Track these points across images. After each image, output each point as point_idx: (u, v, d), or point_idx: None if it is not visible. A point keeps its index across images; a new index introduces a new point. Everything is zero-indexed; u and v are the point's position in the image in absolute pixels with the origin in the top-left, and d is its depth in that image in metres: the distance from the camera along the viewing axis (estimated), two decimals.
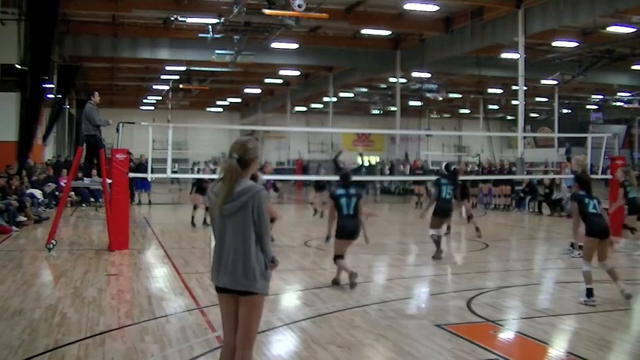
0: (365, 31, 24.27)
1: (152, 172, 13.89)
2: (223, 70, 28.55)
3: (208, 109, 47.31)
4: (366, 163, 21.11)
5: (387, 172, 32.32)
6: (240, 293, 3.77)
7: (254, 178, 3.99)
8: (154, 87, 35.85)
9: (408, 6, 19.45)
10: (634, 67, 27.76)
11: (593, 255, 7.15)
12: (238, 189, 3.75)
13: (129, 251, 10.87)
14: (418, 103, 39.24)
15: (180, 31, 23.62)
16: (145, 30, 23.72)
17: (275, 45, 23.15)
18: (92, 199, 19.91)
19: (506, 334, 6.11)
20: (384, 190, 30.22)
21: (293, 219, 16.49)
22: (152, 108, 44.24)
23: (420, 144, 41.00)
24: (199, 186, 14.96)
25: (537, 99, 37.31)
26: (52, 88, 23.93)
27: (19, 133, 18.36)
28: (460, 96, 37.94)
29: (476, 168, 23.40)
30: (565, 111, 40.14)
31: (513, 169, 21.30)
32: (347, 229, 7.91)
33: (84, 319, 6.28)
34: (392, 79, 30.30)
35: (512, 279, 8.74)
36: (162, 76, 32.21)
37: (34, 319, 6.21)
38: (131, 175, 12.06)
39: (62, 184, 17.86)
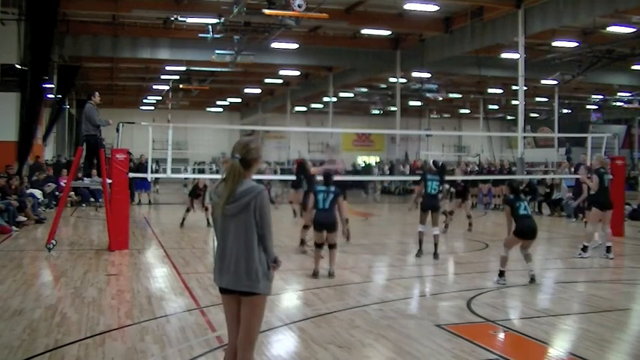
0: (365, 31, 24.27)
1: (152, 172, 13.90)
2: (223, 70, 28.54)
3: (208, 109, 47.31)
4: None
5: (387, 172, 32.33)
6: (242, 293, 3.77)
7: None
8: (154, 87, 35.85)
9: (408, 6, 19.44)
10: (634, 67, 27.76)
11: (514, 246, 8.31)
12: (240, 189, 3.74)
13: (129, 251, 10.87)
14: (418, 103, 39.18)
15: (180, 31, 23.62)
16: (145, 30, 23.71)
17: (275, 45, 23.14)
18: (92, 199, 19.91)
19: (506, 334, 6.10)
20: (384, 190, 30.21)
21: (293, 219, 16.48)
22: (152, 108, 44.24)
23: (420, 144, 40.95)
24: (194, 190, 15.03)
25: (537, 99, 37.30)
26: (52, 88, 23.93)
27: (19, 133, 18.36)
28: (460, 96, 37.94)
29: (476, 168, 23.37)
30: (565, 111, 40.13)
31: (513, 169, 21.28)
32: (319, 222, 8.68)
33: (84, 319, 6.28)
34: (392, 79, 30.30)
35: (512, 279, 8.73)
36: (163, 76, 32.21)
37: (34, 319, 6.21)
38: (131, 175, 12.06)
39: (62, 184, 17.85)
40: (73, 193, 18.94)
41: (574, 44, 22.68)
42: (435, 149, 41.64)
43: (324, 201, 8.64)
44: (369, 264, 10.21)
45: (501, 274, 8.26)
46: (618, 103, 39.08)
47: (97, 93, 11.78)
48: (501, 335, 6.05)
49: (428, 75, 29.99)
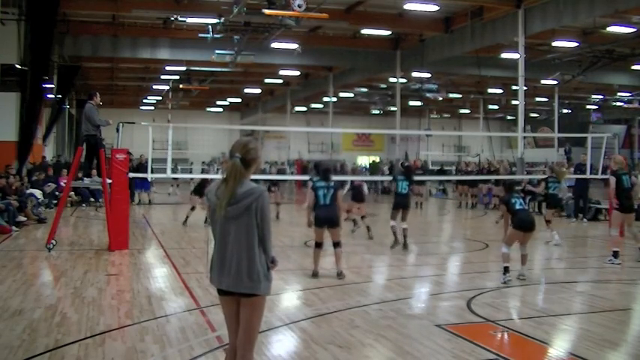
0: (365, 31, 24.25)
1: (152, 172, 13.90)
2: (223, 70, 28.52)
3: (208, 109, 47.29)
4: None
5: (387, 172, 32.31)
6: (242, 295, 3.77)
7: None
8: (154, 87, 35.83)
9: (408, 6, 19.42)
10: (634, 67, 27.74)
11: (514, 242, 8.54)
12: (241, 191, 3.73)
13: (129, 251, 10.87)
14: (418, 103, 39.23)
15: (180, 31, 23.61)
16: (145, 30, 23.70)
17: (275, 45, 23.13)
18: (92, 199, 19.91)
19: (506, 334, 6.10)
20: (384, 190, 30.20)
21: (293, 219, 16.49)
22: (152, 108, 44.22)
23: (420, 144, 40.99)
24: (199, 188, 15.02)
25: (537, 99, 37.28)
26: (52, 88, 23.93)
27: (19, 133, 18.36)
28: (460, 96, 37.91)
29: (476, 168, 23.39)
30: (565, 111, 40.12)
31: (513, 169, 21.29)
32: (321, 218, 8.57)
33: (84, 319, 6.28)
34: (392, 79, 30.27)
35: (512, 279, 8.73)
36: (163, 76, 32.19)
37: (34, 319, 6.21)
38: (131, 175, 12.06)
39: (62, 184, 17.86)
40: (73, 193, 18.94)
41: (574, 44, 22.67)
42: (435, 149, 41.72)
43: (325, 197, 8.59)
44: (369, 264, 10.22)
45: (506, 270, 8.38)
46: (618, 103, 39.07)
47: (97, 94, 11.80)
48: (501, 335, 6.06)
49: (428, 75, 29.97)
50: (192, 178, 26.89)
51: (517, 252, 8.70)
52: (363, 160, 47.76)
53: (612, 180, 10.19)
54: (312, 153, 44.64)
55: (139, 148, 19.43)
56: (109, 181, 11.11)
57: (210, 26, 20.37)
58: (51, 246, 10.69)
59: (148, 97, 40.97)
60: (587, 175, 15.99)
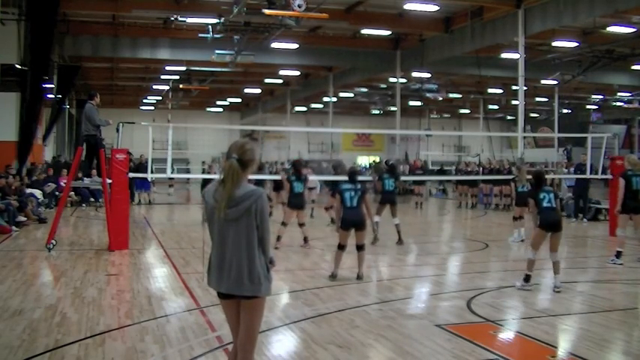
0: (365, 31, 24.24)
1: (152, 172, 13.91)
2: (223, 70, 28.52)
3: (208, 109, 47.28)
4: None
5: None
6: (243, 297, 3.76)
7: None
8: (154, 87, 35.82)
9: (408, 6, 19.42)
10: (634, 67, 27.73)
11: (541, 245, 7.89)
12: (240, 193, 3.71)
13: (129, 251, 10.87)
14: (418, 103, 39.22)
15: (180, 31, 23.60)
16: (145, 30, 23.69)
17: (275, 45, 23.14)
18: (92, 199, 19.91)
19: (506, 334, 6.11)
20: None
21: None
22: (152, 108, 44.22)
23: (420, 144, 41.00)
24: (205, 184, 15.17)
25: (537, 99, 37.26)
26: (52, 88, 23.92)
27: (19, 133, 18.36)
28: (460, 96, 37.91)
29: (476, 168, 23.38)
30: (565, 111, 40.11)
31: (513, 169, 21.27)
32: (348, 220, 8.40)
33: (84, 319, 6.28)
34: (392, 79, 30.27)
35: (512, 279, 8.73)
36: (163, 76, 32.18)
37: (34, 319, 6.21)
38: (131, 175, 12.06)
39: (62, 184, 17.86)
40: (73, 193, 18.93)
41: (574, 44, 22.66)
42: (435, 149, 41.71)
43: (352, 199, 8.41)
44: (369, 264, 10.20)
45: (527, 278, 7.80)
46: (618, 103, 39.06)
47: (97, 94, 11.80)
48: (501, 335, 6.06)
49: (428, 75, 29.97)
50: (188, 179, 26.97)
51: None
52: (363, 160, 47.75)
53: (621, 182, 10.12)
54: (312, 153, 44.65)
55: (139, 148, 19.42)
56: (109, 181, 11.11)
57: (210, 26, 20.37)
58: (51, 246, 10.69)
59: (148, 97, 40.96)
60: (588, 175, 15.99)
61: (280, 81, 35.34)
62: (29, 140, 18.85)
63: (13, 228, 13.31)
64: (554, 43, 22.80)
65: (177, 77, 32.16)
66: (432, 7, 19.56)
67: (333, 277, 8.40)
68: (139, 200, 21.64)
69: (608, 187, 15.18)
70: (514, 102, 32.36)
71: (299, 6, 15.41)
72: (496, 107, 42.56)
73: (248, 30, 21.50)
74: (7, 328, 5.89)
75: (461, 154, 42.77)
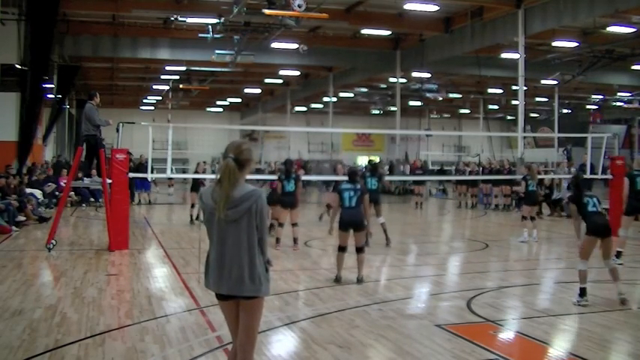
0: (365, 31, 24.25)
1: (152, 172, 13.93)
2: (223, 70, 28.52)
3: (208, 109, 47.28)
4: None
5: (387, 172, 32.28)
6: (243, 297, 3.76)
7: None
8: (154, 87, 35.82)
9: (408, 6, 19.42)
10: (634, 67, 27.72)
11: (591, 254, 7.20)
12: (239, 194, 3.69)
13: (129, 251, 10.87)
14: (418, 103, 39.22)
15: (180, 31, 23.60)
16: (145, 30, 23.69)
17: (275, 45, 23.14)
18: (92, 199, 19.91)
19: (506, 334, 6.11)
20: (383, 190, 30.19)
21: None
22: (152, 108, 44.21)
23: (420, 144, 40.99)
24: (195, 184, 15.48)
25: (537, 99, 37.28)
26: (52, 88, 23.94)
27: (19, 133, 18.36)
28: (460, 96, 37.91)
29: (476, 168, 23.38)
30: (565, 111, 40.11)
31: (513, 169, 21.28)
32: (346, 220, 8.29)
33: (84, 319, 6.28)
34: (392, 79, 30.28)
35: (512, 279, 8.74)
36: (163, 76, 32.19)
37: (34, 319, 6.21)
38: (131, 175, 12.06)
39: (62, 184, 17.86)
40: (73, 193, 18.93)
41: (574, 44, 22.66)
42: (435, 149, 41.67)
43: (350, 199, 8.32)
44: (370, 264, 10.19)
45: (582, 292, 7.06)
46: (618, 103, 39.05)
47: (97, 94, 11.79)
48: (501, 335, 6.06)
49: (428, 75, 29.97)
50: (185, 178, 26.97)
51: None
52: (363, 160, 47.74)
53: (626, 182, 10.14)
54: (313, 153, 44.64)
55: (139, 148, 19.43)
56: (109, 181, 11.11)
57: (210, 26, 20.37)
58: (51, 246, 10.69)
59: (148, 97, 40.96)
60: (588, 175, 15.98)
61: (280, 81, 35.35)
62: (29, 140, 18.85)
63: (13, 228, 13.30)
64: (554, 43, 22.80)
65: (177, 77, 32.16)
66: (432, 7, 19.57)
67: (337, 280, 8.28)
68: (139, 200, 21.65)
69: (608, 187, 15.16)
70: (514, 102, 32.35)
71: (299, 6, 15.41)
72: (496, 107, 42.56)
73: (248, 30, 21.50)
74: (7, 328, 5.88)
75: (461, 154, 42.75)
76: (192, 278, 8.41)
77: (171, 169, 13.01)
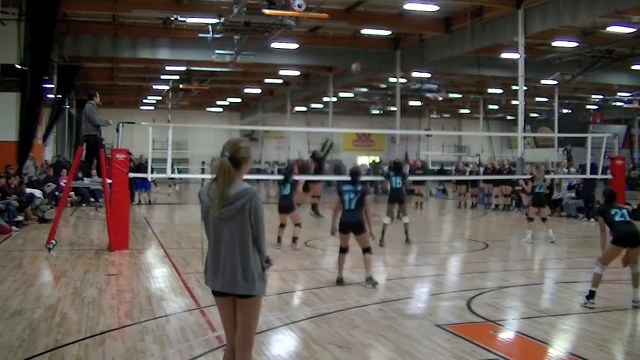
0: (365, 31, 24.24)
1: (152, 172, 13.92)
2: (223, 70, 28.52)
3: (208, 109, 47.27)
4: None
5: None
6: (238, 296, 3.77)
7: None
8: (154, 87, 35.82)
9: (408, 6, 19.42)
10: (634, 67, 27.72)
11: (612, 261, 7.13)
12: (234, 192, 3.70)
13: (129, 251, 10.87)
14: (418, 103, 39.21)
15: (180, 31, 23.59)
16: (145, 30, 23.68)
17: (275, 45, 23.13)
18: (92, 199, 19.90)
19: (506, 334, 6.11)
20: (383, 190, 30.17)
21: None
22: (152, 108, 44.21)
23: (420, 144, 40.98)
24: None
25: (537, 99, 37.28)
26: (52, 88, 23.92)
27: (19, 133, 18.36)
28: (460, 96, 37.91)
29: (477, 168, 23.38)
30: (565, 111, 40.12)
31: (513, 169, 21.28)
32: (345, 223, 8.21)
33: (84, 319, 6.28)
34: (392, 79, 30.26)
35: (512, 279, 8.74)
36: (163, 76, 32.18)
37: (34, 319, 6.21)
38: (131, 175, 12.06)
39: (62, 184, 17.85)
40: (73, 193, 18.93)
41: (574, 44, 22.66)
42: (435, 149, 41.64)
43: (350, 201, 8.14)
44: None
45: (591, 294, 6.98)
46: (618, 103, 39.05)
47: (97, 94, 11.79)
48: (501, 335, 6.06)
49: (428, 75, 29.95)
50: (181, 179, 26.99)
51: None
52: (363, 160, 47.73)
53: None
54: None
55: (139, 148, 19.43)
56: (109, 181, 11.11)
57: (210, 26, 20.37)
58: (51, 246, 10.68)
59: (148, 97, 40.96)
60: (588, 175, 15.98)
61: (280, 81, 35.35)
62: (29, 140, 18.84)
63: (13, 228, 13.30)
64: (554, 43, 22.80)
65: (177, 77, 32.16)
66: (432, 7, 19.57)
67: (339, 282, 8.20)
68: (139, 200, 21.65)
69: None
70: (514, 102, 32.34)
71: (299, 6, 15.41)
72: (496, 107, 42.57)
73: (248, 30, 21.48)
74: (7, 328, 5.88)
75: (461, 154, 42.76)
76: (192, 278, 8.40)
77: (173, 169, 13.02)
